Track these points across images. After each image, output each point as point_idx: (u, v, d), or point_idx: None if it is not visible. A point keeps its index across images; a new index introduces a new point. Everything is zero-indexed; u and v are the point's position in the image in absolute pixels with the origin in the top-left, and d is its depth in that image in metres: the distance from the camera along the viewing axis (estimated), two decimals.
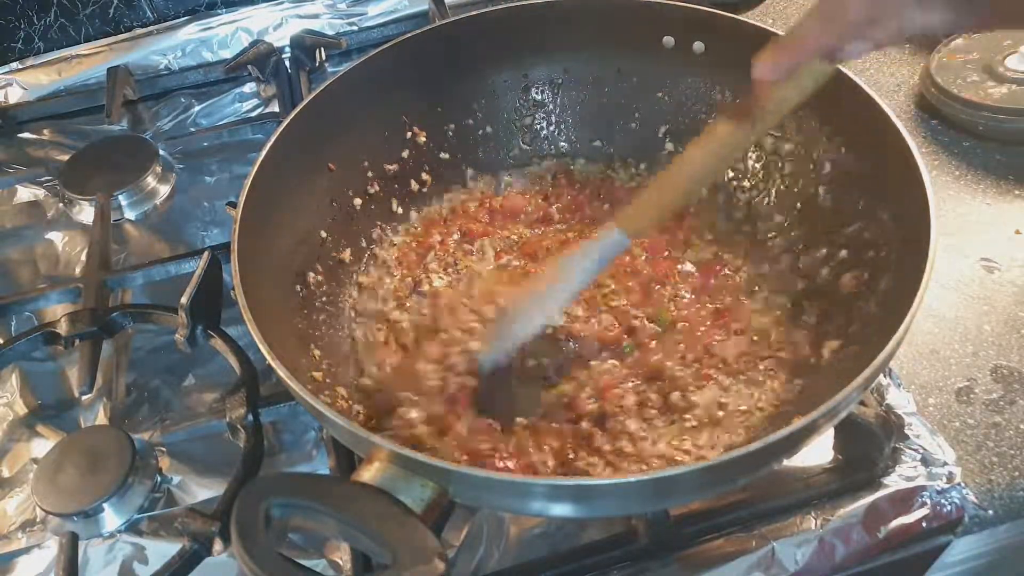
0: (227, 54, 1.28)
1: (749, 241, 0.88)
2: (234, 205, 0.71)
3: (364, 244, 0.90)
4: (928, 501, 0.69)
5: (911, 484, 0.69)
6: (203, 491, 0.76)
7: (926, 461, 0.71)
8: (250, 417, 0.77)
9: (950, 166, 0.98)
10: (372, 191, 0.91)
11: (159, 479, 0.77)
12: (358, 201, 0.90)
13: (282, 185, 0.78)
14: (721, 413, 0.73)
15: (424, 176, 0.96)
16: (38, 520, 0.75)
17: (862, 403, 0.73)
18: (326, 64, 1.26)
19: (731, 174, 0.92)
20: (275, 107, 1.20)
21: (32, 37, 1.27)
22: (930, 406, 0.76)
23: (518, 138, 1.00)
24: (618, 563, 0.68)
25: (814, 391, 0.70)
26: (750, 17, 1.22)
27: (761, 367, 0.76)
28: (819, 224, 0.83)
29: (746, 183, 0.91)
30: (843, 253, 0.78)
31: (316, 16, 1.31)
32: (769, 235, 0.87)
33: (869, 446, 0.71)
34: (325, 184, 0.86)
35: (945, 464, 0.70)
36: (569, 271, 0.74)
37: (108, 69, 1.24)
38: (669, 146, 0.97)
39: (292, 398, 0.77)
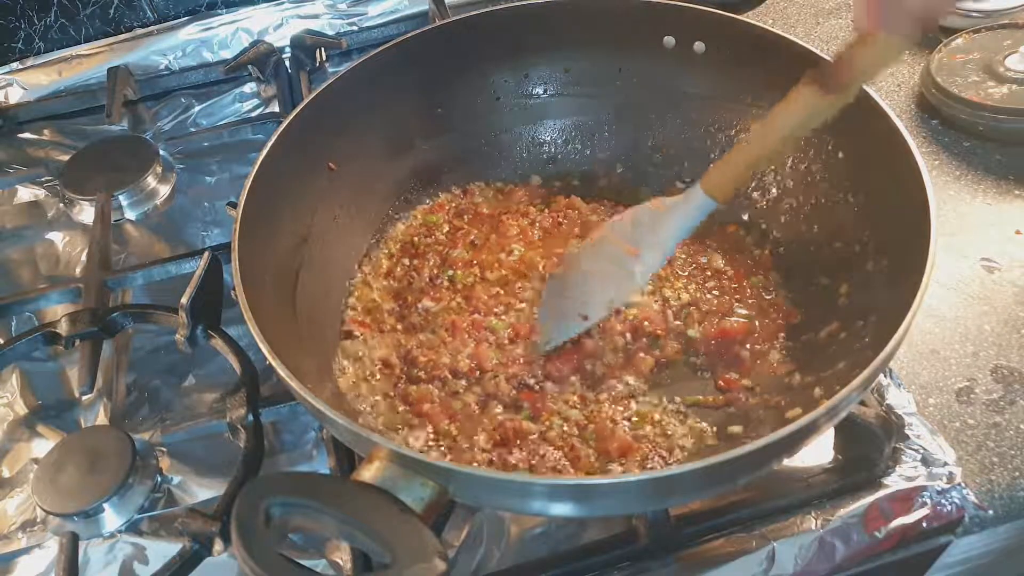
0: (227, 54, 1.28)
1: (748, 243, 0.88)
2: (234, 205, 0.72)
3: (365, 243, 0.90)
4: (928, 501, 0.69)
5: (911, 484, 0.69)
6: (203, 491, 0.77)
7: (926, 461, 0.71)
8: (250, 417, 0.77)
9: (950, 166, 0.98)
10: (372, 191, 0.91)
11: (159, 479, 0.77)
12: (358, 200, 0.90)
13: (282, 185, 0.78)
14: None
15: (424, 176, 0.96)
16: (38, 520, 0.75)
17: (862, 403, 0.73)
18: (326, 64, 1.26)
19: None
20: (275, 107, 1.20)
21: (32, 37, 1.27)
22: (930, 406, 0.76)
23: (519, 138, 1.00)
24: (618, 563, 0.68)
25: (814, 391, 0.70)
26: (750, 17, 1.22)
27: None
28: (820, 224, 0.83)
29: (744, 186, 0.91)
30: (844, 253, 0.78)
31: (316, 16, 1.31)
32: (769, 235, 0.87)
33: (869, 446, 0.71)
34: (325, 184, 0.86)
35: (945, 464, 0.70)
36: (651, 230, 0.69)
37: (108, 69, 1.24)
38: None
39: (292, 398, 0.77)
